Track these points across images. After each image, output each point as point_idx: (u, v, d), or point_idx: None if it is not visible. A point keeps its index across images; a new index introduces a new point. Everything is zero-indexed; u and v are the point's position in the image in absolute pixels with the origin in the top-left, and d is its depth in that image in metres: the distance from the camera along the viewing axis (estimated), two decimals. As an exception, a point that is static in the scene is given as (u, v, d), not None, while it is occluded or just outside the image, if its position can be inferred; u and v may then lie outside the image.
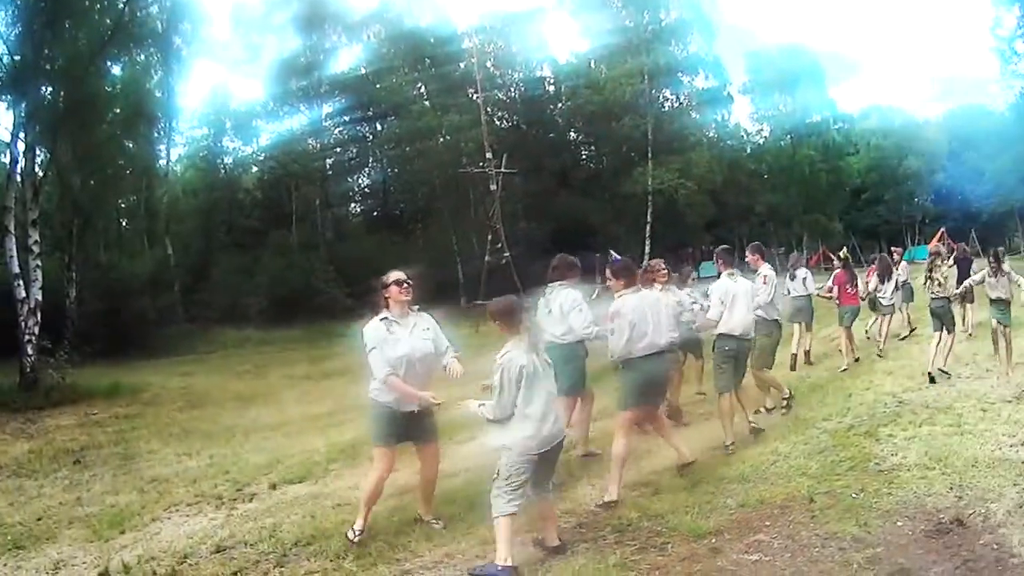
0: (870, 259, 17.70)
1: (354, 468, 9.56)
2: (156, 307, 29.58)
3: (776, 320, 10.93)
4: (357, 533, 6.59)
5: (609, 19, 49.55)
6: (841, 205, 63.93)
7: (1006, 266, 12.08)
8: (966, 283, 13.20)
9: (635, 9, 49.15)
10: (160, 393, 17.44)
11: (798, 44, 63.35)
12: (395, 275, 6.76)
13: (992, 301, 12.14)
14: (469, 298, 36.91)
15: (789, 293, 14.49)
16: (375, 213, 51.62)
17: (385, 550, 6.35)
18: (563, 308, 8.55)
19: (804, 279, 14.95)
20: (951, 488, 6.71)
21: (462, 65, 44.94)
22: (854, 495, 6.83)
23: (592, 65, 50.52)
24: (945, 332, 12.44)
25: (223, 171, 44.97)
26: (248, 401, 16.32)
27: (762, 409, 10.87)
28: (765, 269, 10.81)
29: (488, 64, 46.64)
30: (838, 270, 15.76)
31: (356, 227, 50.07)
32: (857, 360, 14.58)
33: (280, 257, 37.95)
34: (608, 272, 8.13)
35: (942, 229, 50.74)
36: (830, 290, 15.35)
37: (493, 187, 34.28)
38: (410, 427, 6.82)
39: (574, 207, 44.66)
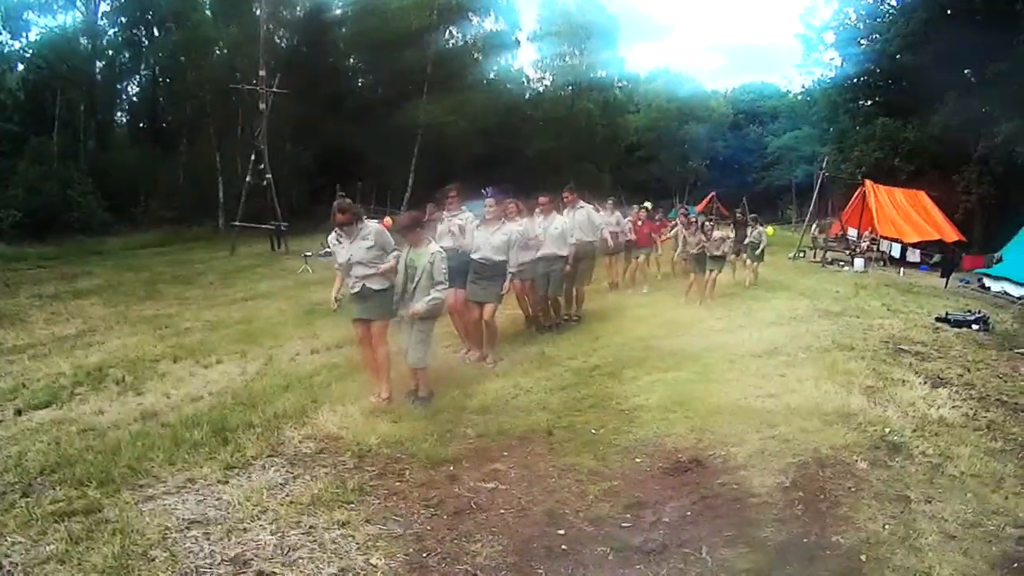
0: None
1: (99, 392, 9.22)
2: (-100, 215, 26.98)
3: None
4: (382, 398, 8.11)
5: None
6: (613, 159, 65.46)
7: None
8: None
9: (439, -59, 48.48)
10: (-99, 311, 16.01)
11: (596, -2, 64.02)
12: (336, 208, 8.38)
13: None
14: (228, 219, 35.87)
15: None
16: (141, 124, 48.66)
17: (128, 475, 6.08)
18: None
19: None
20: (692, 431, 6.96)
21: (251, -24, 42.89)
22: (593, 431, 7.07)
23: (382, -6, 49.33)
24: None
25: None
26: (-6, 321, 15.31)
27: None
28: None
29: (277, -23, 44.76)
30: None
31: (120, 138, 47.41)
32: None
33: (38, 165, 35.05)
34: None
35: (712, 193, 52.86)
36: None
37: (262, 106, 33.05)
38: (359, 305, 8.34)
39: (343, 134, 43.20)
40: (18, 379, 9.97)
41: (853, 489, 5.80)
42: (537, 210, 12.12)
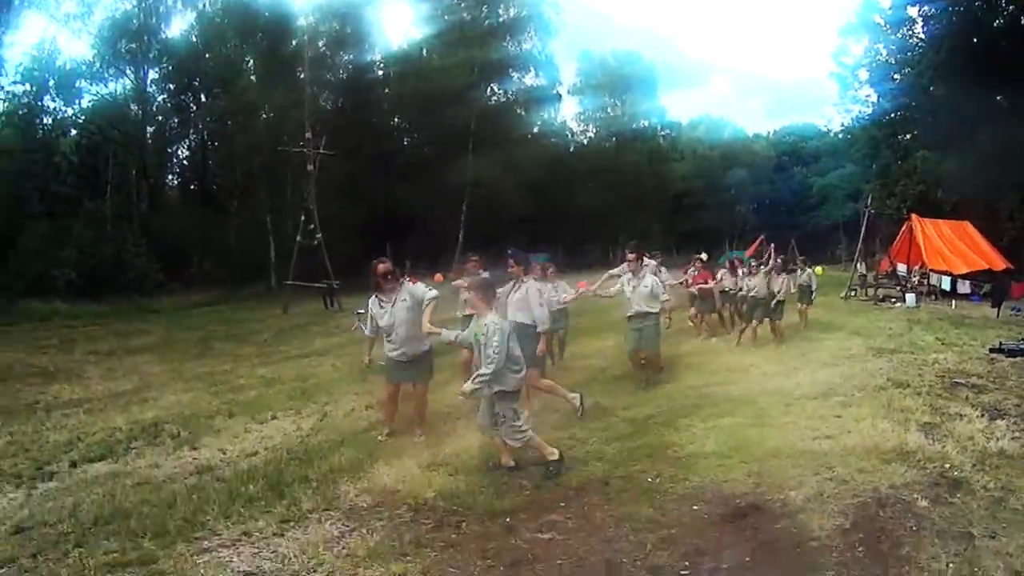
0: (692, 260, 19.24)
1: (155, 447, 9.29)
2: (-41, 276, 27.45)
3: None
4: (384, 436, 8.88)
5: (447, 9, 49.26)
6: (662, 208, 65.49)
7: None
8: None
9: (475, 2, 49.40)
10: (-39, 368, 16.25)
11: (633, 50, 64.57)
12: (375, 270, 8.80)
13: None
14: (280, 278, 36.66)
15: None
16: (192, 186, 49.93)
17: (184, 528, 6.12)
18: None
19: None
20: (749, 476, 6.86)
21: (294, 43, 43.81)
22: (650, 479, 6.96)
23: (424, 53, 50.21)
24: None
25: (41, 132, 40.95)
26: (51, 377, 15.42)
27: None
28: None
29: (320, 43, 45.67)
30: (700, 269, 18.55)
31: (171, 199, 48.58)
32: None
33: (92, 228, 35.97)
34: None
35: (761, 236, 52.42)
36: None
37: (310, 167, 33.41)
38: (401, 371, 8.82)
39: (391, 193, 44.34)
40: (74, 432, 10.10)
41: (915, 528, 5.68)
42: (624, 266, 12.16)
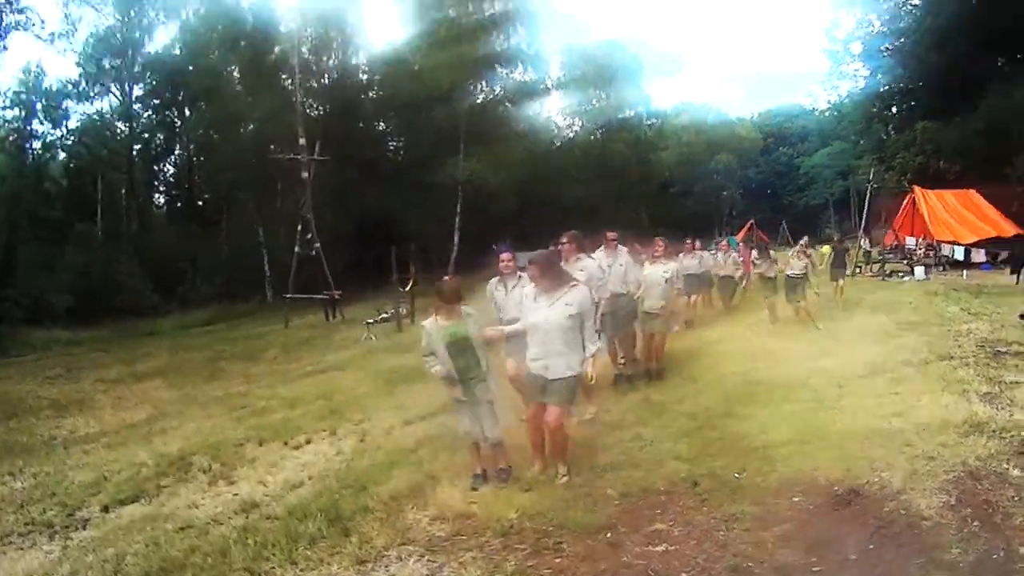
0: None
1: (187, 483, 8.95)
2: (-43, 306, 27.16)
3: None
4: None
5: (432, 7, 48.64)
6: (649, 197, 65.58)
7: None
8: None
9: (460, -2, 48.99)
10: (-29, 403, 15.96)
11: (616, 40, 64.51)
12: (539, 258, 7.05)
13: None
14: (276, 291, 36.77)
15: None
16: (178, 204, 50.14)
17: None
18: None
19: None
20: (835, 461, 6.66)
21: (277, 50, 44.00)
22: (736, 475, 6.67)
23: (410, 55, 49.65)
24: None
25: (32, 156, 41.58)
26: (63, 409, 15.35)
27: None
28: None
29: (304, 49, 45.27)
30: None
31: (159, 218, 49.06)
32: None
33: (84, 250, 36.04)
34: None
35: (751, 221, 52.56)
36: None
37: (305, 175, 33.19)
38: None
39: (381, 198, 43.57)
40: (98, 471, 9.83)
41: (1016, 498, 5.59)
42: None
